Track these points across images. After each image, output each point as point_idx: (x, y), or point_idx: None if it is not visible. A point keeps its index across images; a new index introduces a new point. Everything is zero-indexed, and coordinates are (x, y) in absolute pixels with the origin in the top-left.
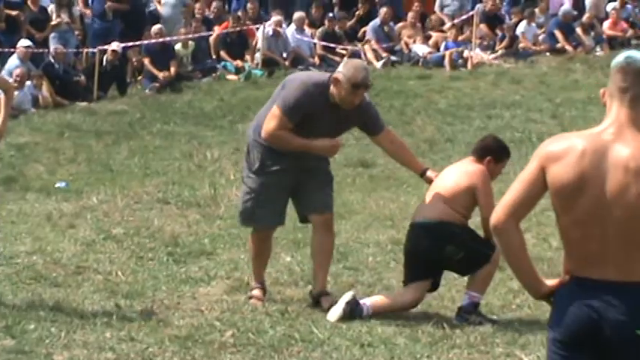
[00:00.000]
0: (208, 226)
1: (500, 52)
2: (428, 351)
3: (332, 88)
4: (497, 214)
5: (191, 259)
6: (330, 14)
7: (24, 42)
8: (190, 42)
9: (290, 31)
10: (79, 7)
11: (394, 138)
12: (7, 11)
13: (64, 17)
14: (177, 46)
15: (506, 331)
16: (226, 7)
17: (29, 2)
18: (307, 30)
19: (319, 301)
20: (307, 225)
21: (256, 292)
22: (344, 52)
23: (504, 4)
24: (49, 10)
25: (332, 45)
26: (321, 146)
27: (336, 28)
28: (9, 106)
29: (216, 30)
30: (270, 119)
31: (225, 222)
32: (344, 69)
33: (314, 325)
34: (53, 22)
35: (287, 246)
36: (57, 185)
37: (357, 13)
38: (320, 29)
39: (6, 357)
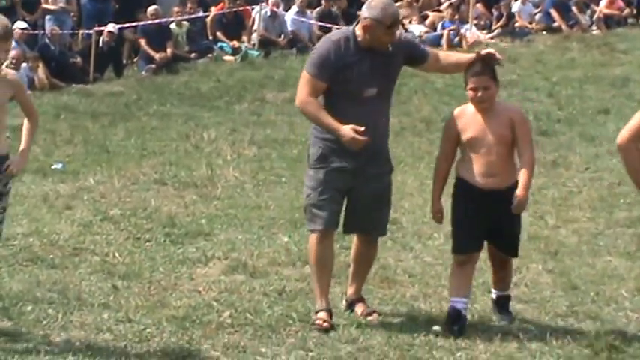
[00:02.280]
0: (205, 206)
1: (496, 31)
2: (425, 330)
3: (363, 35)
4: (621, 136)
5: (188, 240)
6: None
7: (19, 24)
8: (184, 21)
9: (290, 12)
10: None
11: (439, 56)
12: None
13: None
14: (172, 26)
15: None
16: None
17: None
18: (308, 12)
19: (353, 306)
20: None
21: (321, 315)
22: None
23: None
24: None
25: (329, 25)
26: (343, 133)
27: (334, 8)
28: (32, 133)
29: (213, 10)
30: (300, 87)
31: (222, 202)
32: (371, 12)
33: (311, 305)
34: (48, 6)
35: (284, 226)
36: (53, 167)
37: None
38: (317, 9)
39: (4, 339)
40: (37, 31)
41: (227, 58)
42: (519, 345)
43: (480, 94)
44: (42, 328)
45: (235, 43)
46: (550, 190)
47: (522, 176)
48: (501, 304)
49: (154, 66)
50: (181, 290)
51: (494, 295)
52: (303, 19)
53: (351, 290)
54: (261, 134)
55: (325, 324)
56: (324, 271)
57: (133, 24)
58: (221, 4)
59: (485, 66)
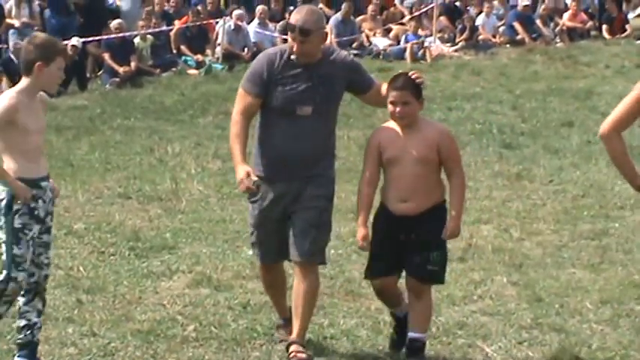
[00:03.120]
0: (170, 220)
1: (460, 44)
2: (390, 342)
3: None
4: (603, 126)
5: (153, 254)
6: (291, 7)
7: None
8: (149, 35)
9: (252, 25)
10: (38, 2)
11: (382, 90)
12: None
13: (24, 13)
14: (136, 40)
15: (468, 322)
16: (185, 1)
17: None
18: (270, 24)
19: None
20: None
21: (282, 332)
22: None
23: None
24: (7, 6)
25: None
26: (236, 170)
27: None
28: None
29: (177, 24)
30: (235, 102)
31: (186, 216)
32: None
33: (275, 319)
34: (12, 21)
35: (248, 240)
36: None
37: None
38: (280, 23)
39: None
40: (0, 45)
41: (191, 71)
42: (484, 358)
43: (398, 108)
44: (6, 342)
45: (199, 57)
46: (514, 203)
47: (454, 203)
48: (414, 349)
49: (117, 80)
50: (146, 304)
51: (408, 336)
52: (266, 32)
53: (293, 331)
54: (226, 148)
55: (301, 355)
56: (277, 293)
57: (97, 38)
58: (185, 18)
59: (407, 81)
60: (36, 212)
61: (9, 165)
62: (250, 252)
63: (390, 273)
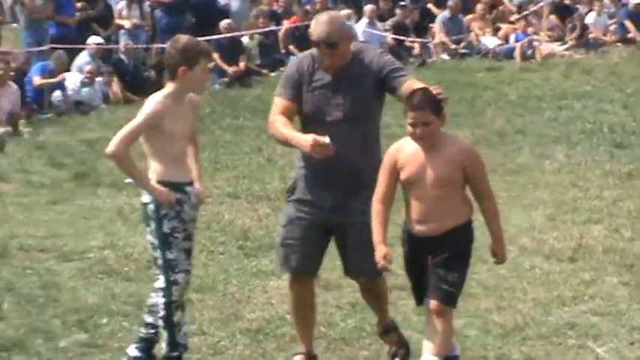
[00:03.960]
0: (278, 219)
1: (570, 43)
2: (499, 343)
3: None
4: None
5: (262, 253)
6: (402, 2)
7: (94, 39)
8: (256, 35)
9: (361, 24)
10: (148, 2)
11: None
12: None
13: (135, 14)
14: (245, 39)
15: (579, 322)
16: (294, 1)
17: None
18: (378, 24)
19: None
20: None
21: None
22: (413, 45)
23: None
24: (119, 6)
25: (401, 38)
26: (304, 143)
27: (407, 21)
28: (198, 156)
29: (285, 24)
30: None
31: None
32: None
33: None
34: (122, 21)
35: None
36: (127, 180)
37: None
38: (389, 20)
39: (79, 351)
40: (110, 46)
41: None
42: (595, 358)
43: (419, 131)
44: (117, 340)
45: None
46: (625, 202)
47: (494, 229)
48: None
49: (227, 79)
50: (255, 303)
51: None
52: (375, 31)
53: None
54: None
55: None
56: (301, 318)
57: (207, 38)
58: (294, 18)
59: (426, 98)
60: (183, 215)
61: (155, 168)
62: (275, 264)
63: (421, 300)
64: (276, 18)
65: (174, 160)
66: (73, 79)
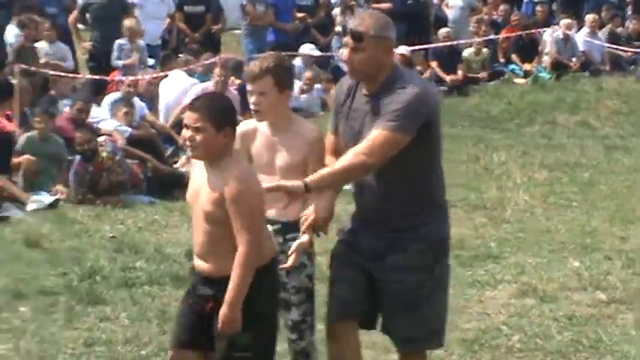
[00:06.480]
0: (495, 229)
1: None
2: None
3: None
4: None
5: (477, 263)
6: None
7: (307, 46)
8: (484, 49)
9: (581, 34)
10: (361, 9)
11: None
12: (298, 14)
13: (348, 20)
14: (466, 53)
15: None
16: (514, 9)
17: (320, 7)
18: (599, 34)
19: None
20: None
21: None
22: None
23: None
24: (332, 14)
25: (618, 47)
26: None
27: (619, 29)
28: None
29: (504, 33)
30: None
31: (511, 226)
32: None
33: (602, 331)
34: (340, 28)
35: (575, 251)
36: None
37: None
38: (603, 30)
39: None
40: (329, 53)
41: (518, 80)
42: None
43: (189, 134)
44: None
45: (527, 66)
46: None
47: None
48: None
49: (445, 88)
50: (470, 313)
51: None
52: (596, 41)
53: None
54: (552, 157)
55: None
56: None
57: (424, 46)
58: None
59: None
60: None
61: None
62: None
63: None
64: (495, 27)
65: None
66: None
